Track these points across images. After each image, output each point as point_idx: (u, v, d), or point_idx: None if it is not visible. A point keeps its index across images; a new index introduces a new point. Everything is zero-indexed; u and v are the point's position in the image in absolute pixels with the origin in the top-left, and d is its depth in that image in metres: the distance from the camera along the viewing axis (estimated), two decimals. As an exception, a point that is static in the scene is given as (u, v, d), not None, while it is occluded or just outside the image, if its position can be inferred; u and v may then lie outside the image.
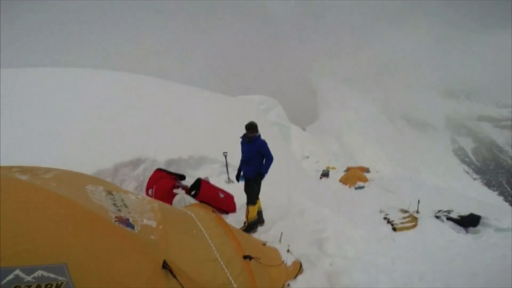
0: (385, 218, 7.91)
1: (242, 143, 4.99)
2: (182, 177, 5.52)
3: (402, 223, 7.29)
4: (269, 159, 4.81)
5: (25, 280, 1.41)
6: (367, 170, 30.01)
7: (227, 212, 5.64)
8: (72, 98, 7.66)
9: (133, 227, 1.88)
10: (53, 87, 8.15)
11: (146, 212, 2.17)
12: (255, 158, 4.81)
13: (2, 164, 2.30)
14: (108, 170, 4.93)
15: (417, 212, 8.44)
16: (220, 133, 8.92)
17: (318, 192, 11.40)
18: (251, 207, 4.98)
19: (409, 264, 4.42)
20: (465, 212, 8.13)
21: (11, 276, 1.39)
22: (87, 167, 4.65)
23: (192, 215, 2.68)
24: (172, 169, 5.97)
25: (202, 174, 6.48)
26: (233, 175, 7.03)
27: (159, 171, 5.34)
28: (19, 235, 1.50)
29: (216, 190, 5.63)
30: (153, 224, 2.05)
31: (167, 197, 4.93)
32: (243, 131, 5.04)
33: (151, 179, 5.21)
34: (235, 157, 7.23)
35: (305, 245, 4.44)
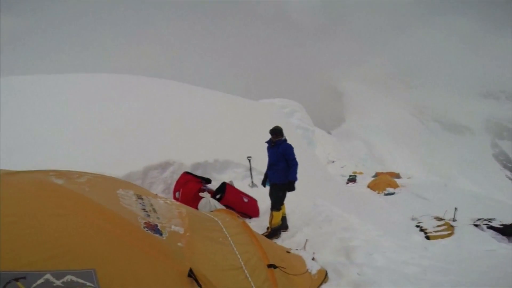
0: (417, 226, 7.53)
1: (268, 148, 5.01)
2: (208, 181, 5.62)
3: (436, 231, 6.90)
4: (293, 163, 4.74)
5: (54, 284, 1.41)
6: (398, 176, 28.78)
7: (250, 217, 5.65)
8: (104, 103, 8.08)
9: (161, 234, 1.89)
10: (85, 93, 8.63)
11: (174, 218, 2.17)
12: (280, 162, 4.77)
13: (43, 167, 2.45)
14: (138, 173, 5.13)
15: (454, 220, 7.94)
16: (244, 137, 8.98)
17: (345, 198, 11.12)
18: (275, 213, 4.94)
19: (442, 274, 4.14)
20: (507, 220, 7.54)
21: (41, 280, 1.40)
22: (119, 170, 4.88)
23: (218, 221, 2.66)
24: (198, 172, 6.09)
25: (226, 178, 6.54)
26: (256, 179, 7.04)
27: (186, 174, 5.47)
28: (51, 240, 1.53)
29: (240, 194, 5.66)
30: (181, 230, 2.06)
31: (193, 200, 5.04)
32: (266, 135, 5.05)
33: (178, 182, 5.34)
34: (259, 162, 7.28)
35: (331, 253, 4.31)
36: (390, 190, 17.65)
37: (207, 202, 4.99)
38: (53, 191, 1.76)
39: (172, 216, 2.19)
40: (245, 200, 5.68)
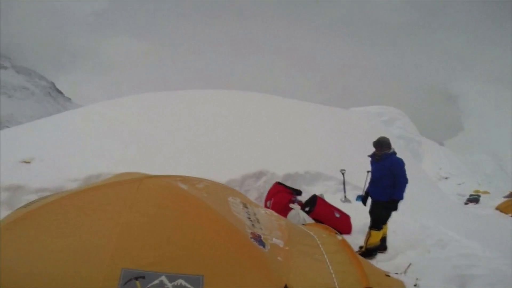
0: None
1: (372, 162, 4.70)
2: (299, 192, 5.69)
3: None
4: (402, 180, 4.32)
5: (166, 286, 1.47)
6: (542, 198, 22.41)
7: (341, 233, 5.39)
8: (206, 116, 9.19)
9: (264, 246, 1.91)
10: (191, 107, 9.97)
11: (275, 230, 2.22)
12: (386, 178, 4.40)
13: (159, 171, 2.92)
14: (236, 180, 5.67)
15: None
16: (336, 149, 8.70)
17: (463, 221, 9.40)
18: (374, 232, 4.58)
19: None
20: None
21: (156, 282, 1.48)
22: (220, 176, 5.48)
23: (315, 237, 2.63)
24: (288, 183, 6.24)
25: (317, 191, 6.46)
26: (350, 194, 6.71)
27: (278, 184, 5.69)
28: (171, 242, 1.64)
29: (332, 208, 5.49)
30: (281, 244, 2.07)
31: (283, 210, 5.16)
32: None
33: (270, 191, 5.61)
34: (353, 175, 6.92)
35: (441, 281, 3.77)
36: (530, 215, 13.85)
37: (297, 214, 5.04)
38: (178, 195, 1.95)
39: (273, 227, 2.23)
40: (337, 215, 5.47)
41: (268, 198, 5.58)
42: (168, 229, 1.71)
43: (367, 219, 5.01)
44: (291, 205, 5.16)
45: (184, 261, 1.59)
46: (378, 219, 4.53)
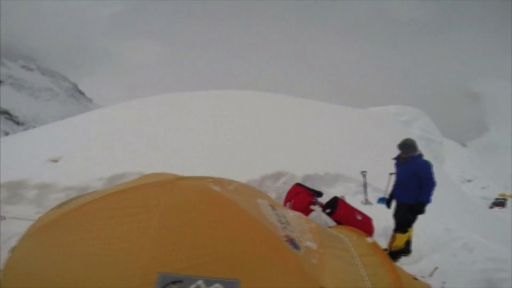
0: None
1: (397, 164, 4.62)
2: (320, 194, 5.63)
3: None
4: (430, 183, 4.22)
5: None
6: None
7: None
8: (225, 118, 9.25)
9: (298, 249, 1.89)
10: (211, 108, 10.08)
11: (306, 233, 2.20)
12: (411, 181, 4.32)
13: (182, 172, 2.94)
14: (256, 181, 5.67)
15: None
16: (356, 150, 8.55)
17: (488, 225, 9.06)
18: (399, 235, 4.52)
19: None
20: None
21: (193, 286, 1.45)
22: (240, 177, 5.47)
23: (346, 239, 2.59)
24: (308, 184, 6.18)
25: (336, 192, 6.38)
26: (371, 196, 6.59)
27: (298, 186, 5.65)
28: (207, 246, 1.62)
29: (354, 210, 5.40)
30: (314, 246, 2.05)
31: (304, 212, 5.10)
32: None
33: (290, 192, 5.57)
34: (373, 177, 6.79)
35: (468, 285, 3.74)
36: None
37: (318, 215, 4.98)
38: (212, 197, 1.94)
39: (304, 230, 2.21)
40: (359, 217, 5.38)
41: (287, 199, 5.55)
42: (203, 232, 1.70)
43: (388, 222, 4.98)
44: (312, 207, 5.11)
45: (220, 265, 1.57)
46: (404, 222, 4.47)
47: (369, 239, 2.77)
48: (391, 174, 6.41)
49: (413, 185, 4.30)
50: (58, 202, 4.87)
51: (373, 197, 6.61)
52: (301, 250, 1.90)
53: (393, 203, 4.76)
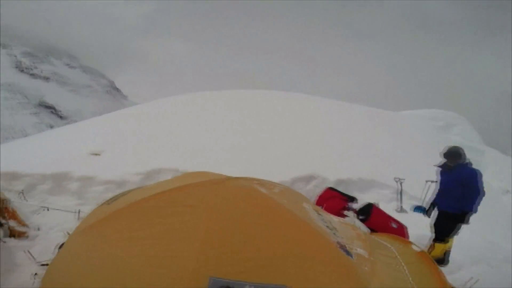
0: None
1: (441, 172, 4.46)
2: (354, 199, 5.46)
3: None
4: (476, 192, 4.04)
5: None
6: None
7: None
8: (255, 117, 9.26)
9: (351, 255, 1.82)
10: (242, 108, 10.12)
11: (355, 239, 2.15)
12: (456, 190, 4.17)
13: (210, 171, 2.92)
14: (286, 183, 5.60)
15: None
16: (390, 155, 8.19)
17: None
18: (438, 244, 4.37)
19: None
20: None
21: None
22: (270, 178, 5.46)
23: (392, 248, 2.51)
24: (340, 189, 6.02)
25: (370, 199, 6.17)
26: (406, 204, 6.31)
27: (331, 190, 5.52)
28: (256, 250, 1.58)
29: (389, 218, 5.19)
30: (365, 254, 1.99)
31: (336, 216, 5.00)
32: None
33: (322, 196, 5.45)
34: (409, 184, 6.48)
35: None
36: None
37: (352, 221, 4.86)
38: (260, 200, 1.90)
39: (352, 237, 2.16)
40: (393, 225, 5.18)
41: (319, 203, 5.43)
42: (252, 236, 1.66)
43: (422, 231, 4.85)
44: (345, 212, 4.97)
45: (269, 271, 1.53)
46: (445, 232, 4.33)
47: (416, 247, 2.65)
48: (428, 181, 6.12)
49: (458, 194, 4.14)
50: (97, 194, 5.13)
51: (408, 205, 6.37)
52: (353, 257, 1.83)
53: (434, 212, 4.58)
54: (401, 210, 6.25)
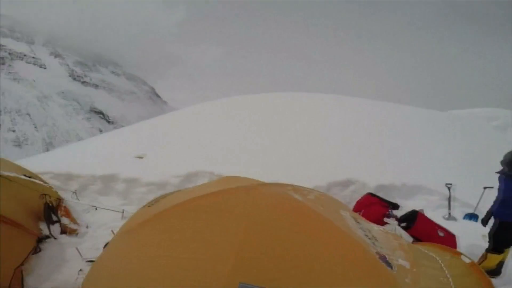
0: None
1: (503, 179, 4.12)
2: (396, 206, 5.17)
3: None
4: None
5: None
6: None
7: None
8: (293, 119, 9.16)
9: (391, 266, 1.73)
10: (277, 111, 10.08)
11: (397, 250, 2.04)
12: None
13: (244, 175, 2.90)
14: (322, 187, 5.46)
15: None
16: (439, 158, 7.59)
17: None
18: (493, 255, 4.07)
19: None
20: None
21: None
22: (305, 183, 5.35)
23: (437, 258, 2.34)
24: (381, 195, 5.72)
25: (414, 205, 5.78)
26: (456, 212, 5.83)
27: (371, 196, 5.27)
28: (291, 258, 1.53)
29: (436, 226, 4.83)
30: (407, 265, 1.88)
31: (376, 224, 4.77)
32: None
33: (360, 202, 5.23)
34: (461, 190, 5.99)
35: None
36: None
37: (393, 229, 4.61)
38: (295, 207, 1.87)
39: (394, 247, 2.04)
40: (441, 234, 4.81)
41: (357, 209, 5.21)
42: (287, 244, 1.63)
43: (473, 240, 4.66)
44: (386, 220, 4.72)
45: (302, 281, 1.49)
46: (502, 242, 4.03)
47: (466, 259, 2.43)
48: (485, 188, 5.61)
49: None
50: (140, 195, 5.43)
51: (459, 212, 5.88)
52: (394, 269, 1.72)
53: (491, 221, 4.22)
54: (450, 217, 5.80)
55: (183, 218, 1.88)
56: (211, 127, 8.47)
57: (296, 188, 2.18)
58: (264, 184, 2.12)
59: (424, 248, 2.54)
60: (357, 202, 5.38)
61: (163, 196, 2.52)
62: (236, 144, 7.25)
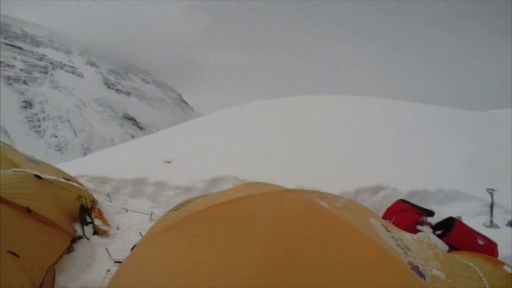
0: None
1: None
2: (431, 213, 4.88)
3: None
4: None
5: None
6: None
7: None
8: (319, 123, 9.01)
9: (424, 277, 1.65)
10: (303, 114, 9.95)
11: (431, 259, 1.93)
12: None
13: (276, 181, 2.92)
14: (350, 193, 5.28)
15: None
16: (479, 162, 7.08)
17: None
18: None
19: None
20: None
21: None
22: (332, 188, 5.21)
23: (476, 268, 2.20)
24: (414, 201, 5.42)
25: (451, 212, 5.42)
26: (498, 219, 5.39)
27: (403, 202, 5.02)
28: (314, 269, 1.48)
29: (475, 234, 4.50)
30: (442, 275, 1.78)
31: (408, 232, 4.53)
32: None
33: (391, 209, 4.99)
34: (504, 196, 5.54)
35: None
36: None
37: (427, 237, 4.34)
38: (320, 214, 1.83)
39: (428, 256, 1.93)
40: (481, 242, 4.47)
41: (387, 216, 4.98)
42: (312, 253, 1.58)
43: None
44: (419, 227, 4.46)
45: None
46: None
47: (508, 269, 2.23)
48: None
49: None
50: (168, 198, 5.59)
51: (501, 219, 5.44)
52: (428, 279, 1.63)
53: None
54: (491, 224, 5.39)
55: (208, 223, 1.89)
56: (236, 132, 8.55)
57: (322, 195, 2.12)
58: (289, 191, 2.08)
59: (461, 257, 2.36)
60: (388, 209, 5.14)
61: (189, 201, 2.56)
62: (260, 149, 7.26)
